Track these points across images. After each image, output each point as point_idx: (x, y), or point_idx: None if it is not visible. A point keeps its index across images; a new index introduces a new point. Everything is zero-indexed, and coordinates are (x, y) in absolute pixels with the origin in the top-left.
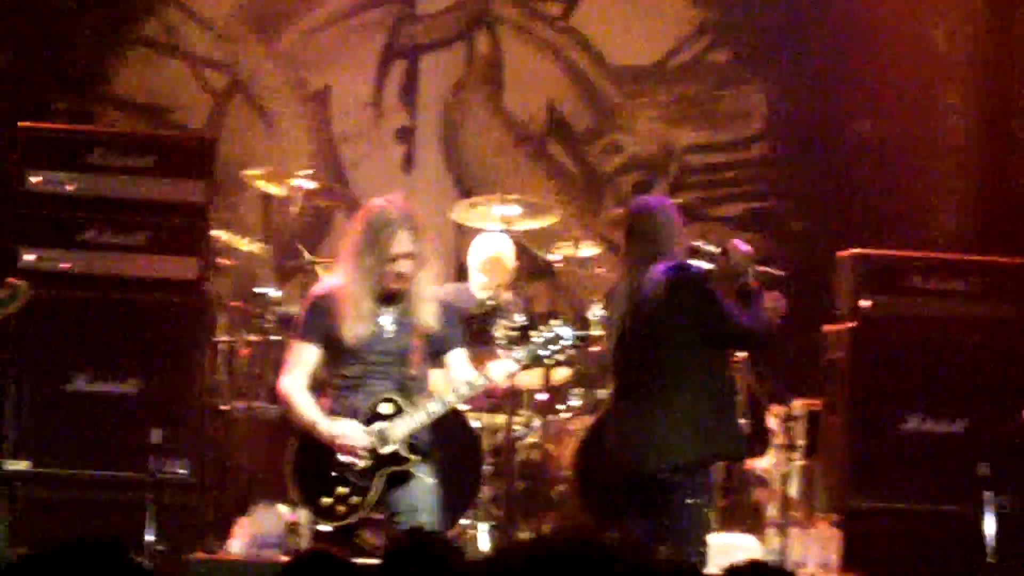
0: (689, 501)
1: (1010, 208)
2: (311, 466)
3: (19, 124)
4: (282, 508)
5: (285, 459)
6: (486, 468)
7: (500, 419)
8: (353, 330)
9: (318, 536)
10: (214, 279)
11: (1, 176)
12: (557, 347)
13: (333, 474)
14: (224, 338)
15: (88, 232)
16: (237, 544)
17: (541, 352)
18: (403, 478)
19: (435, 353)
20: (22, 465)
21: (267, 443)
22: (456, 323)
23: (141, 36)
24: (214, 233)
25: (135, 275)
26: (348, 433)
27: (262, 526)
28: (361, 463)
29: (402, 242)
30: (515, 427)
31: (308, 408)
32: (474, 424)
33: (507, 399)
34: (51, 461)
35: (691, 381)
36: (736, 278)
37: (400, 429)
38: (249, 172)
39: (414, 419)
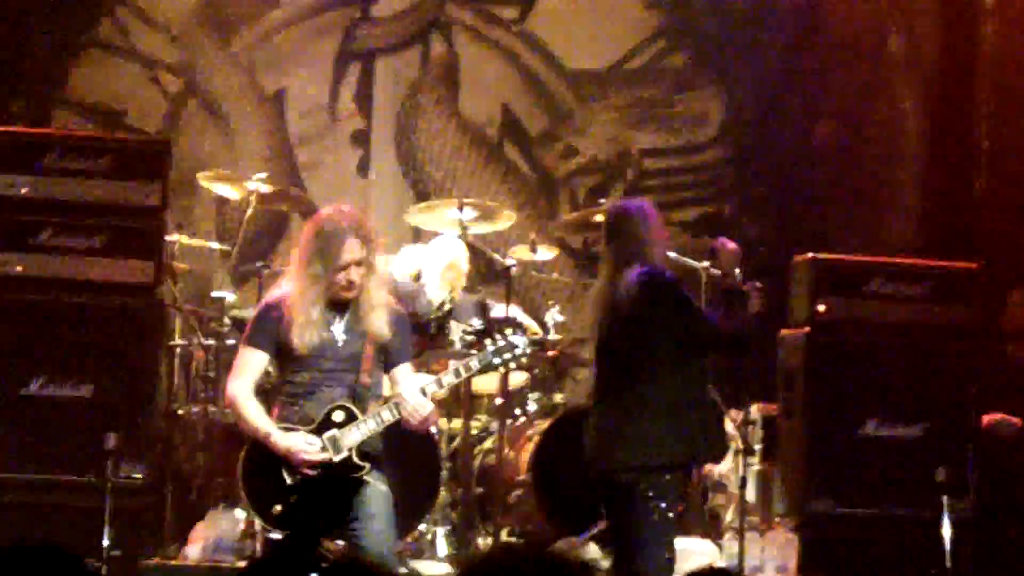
0: (651, 505)
1: (964, 213)
2: (262, 473)
3: None
4: (239, 513)
5: (237, 466)
6: (444, 473)
7: (457, 424)
8: (304, 337)
9: (270, 544)
10: (169, 283)
11: None
12: (510, 356)
13: (287, 482)
14: (179, 342)
15: (43, 235)
16: (194, 549)
17: (495, 360)
18: (356, 485)
19: (385, 362)
20: None
21: (223, 447)
22: (408, 334)
23: (96, 39)
24: (169, 237)
25: (90, 278)
26: (301, 446)
27: (219, 531)
28: (314, 472)
29: (352, 249)
30: (472, 431)
31: (259, 417)
32: (432, 429)
33: (465, 404)
34: (6, 465)
35: (661, 385)
36: (723, 278)
37: (353, 436)
38: (204, 175)
39: (366, 426)
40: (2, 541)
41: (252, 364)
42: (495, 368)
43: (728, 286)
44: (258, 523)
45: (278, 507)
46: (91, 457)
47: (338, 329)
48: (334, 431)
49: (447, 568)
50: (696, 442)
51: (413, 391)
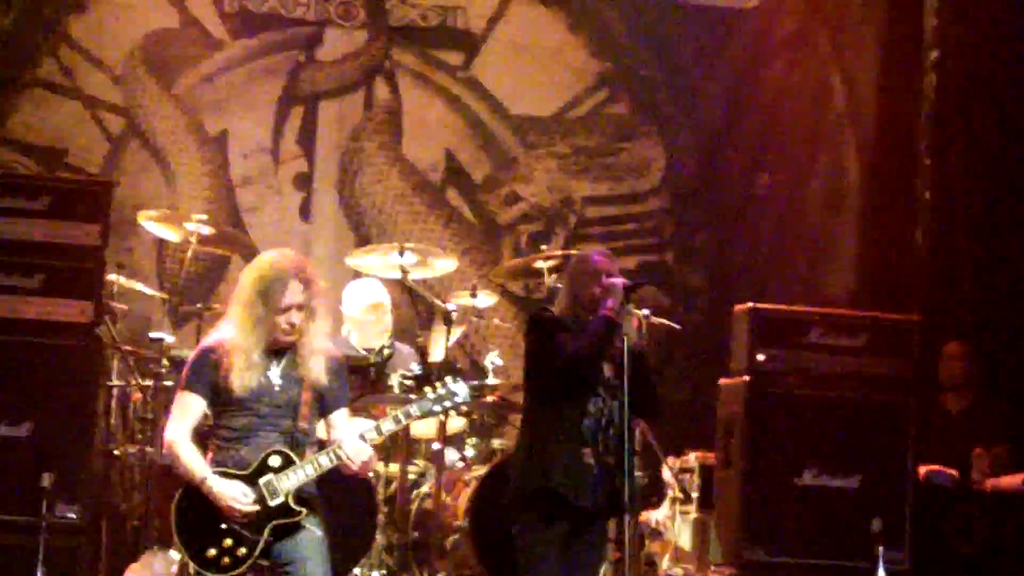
0: (518, 541)
1: (904, 264)
2: (197, 516)
3: None
4: (174, 554)
5: (171, 508)
6: (380, 517)
7: (395, 468)
8: (242, 381)
9: None
10: (108, 323)
11: None
12: (451, 404)
13: (222, 526)
14: (117, 382)
15: None
16: None
17: (435, 408)
18: (291, 530)
19: (321, 407)
20: None
21: (160, 488)
22: (345, 380)
23: (38, 77)
24: (109, 277)
25: (28, 317)
26: (234, 494)
27: (153, 572)
28: (247, 519)
29: (295, 293)
30: (410, 476)
31: (195, 462)
32: (369, 474)
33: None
34: None
35: (528, 420)
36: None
37: (289, 482)
38: (145, 214)
39: (304, 472)
40: None
41: (190, 409)
42: (435, 415)
43: (606, 315)
44: (192, 566)
45: (212, 551)
46: (26, 496)
47: (275, 374)
48: (270, 476)
49: None
50: (551, 475)
51: (352, 437)
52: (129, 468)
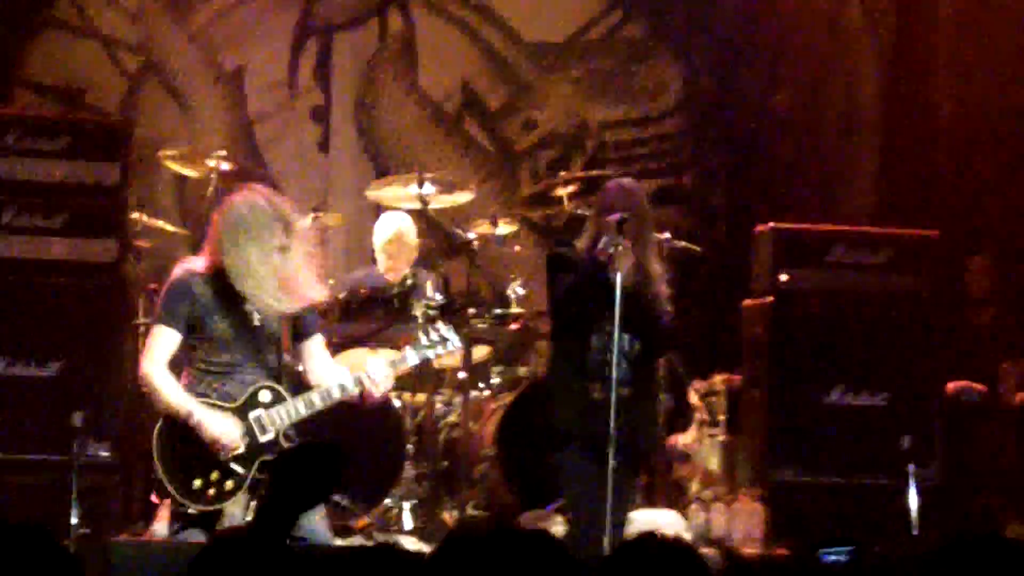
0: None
1: (923, 180)
2: (181, 447)
3: None
4: None
5: (153, 439)
6: (408, 447)
7: (421, 398)
8: (220, 316)
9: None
10: (132, 261)
11: None
12: (443, 350)
13: (208, 458)
14: (143, 320)
15: (4, 216)
16: (161, 526)
17: (429, 353)
18: None
19: (295, 336)
20: None
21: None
22: (314, 309)
23: (54, 18)
24: (132, 215)
25: (53, 258)
26: (224, 429)
27: None
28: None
29: (275, 233)
30: (436, 406)
31: (177, 394)
32: (396, 403)
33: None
34: None
35: (548, 354)
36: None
37: (279, 418)
38: (165, 152)
39: (295, 409)
40: None
41: (165, 342)
42: (428, 361)
43: (599, 252)
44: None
45: (197, 482)
46: (58, 436)
47: (251, 308)
48: (260, 411)
49: (414, 542)
50: (557, 412)
51: (380, 364)
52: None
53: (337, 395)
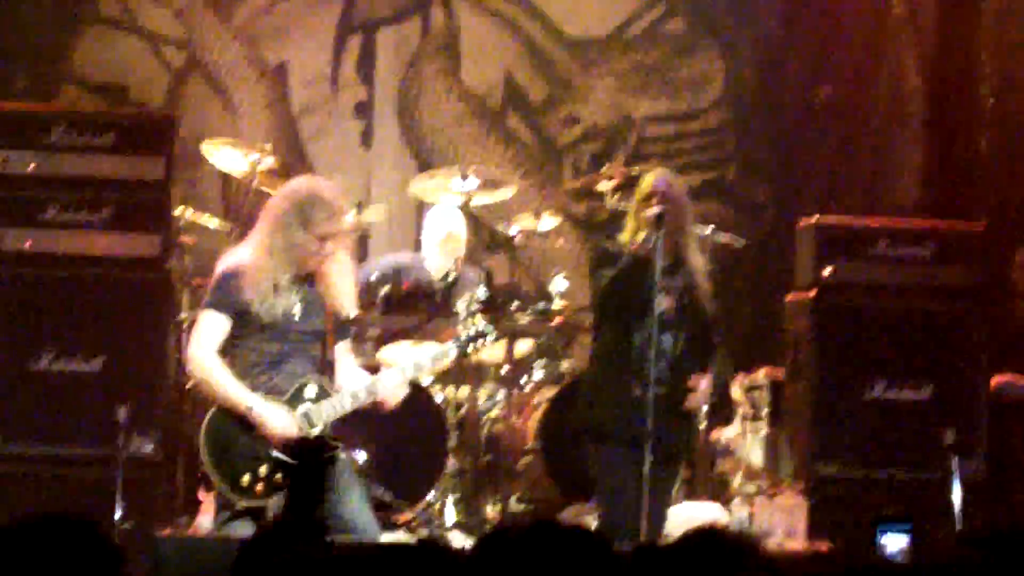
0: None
1: (968, 171)
2: (231, 440)
3: None
4: None
5: (201, 431)
6: (451, 442)
7: (464, 393)
8: (270, 306)
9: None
10: (176, 256)
11: None
12: (479, 343)
13: (257, 451)
14: (187, 315)
15: (49, 211)
16: (206, 519)
17: (467, 348)
18: (329, 459)
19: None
20: None
21: None
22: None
23: (98, 14)
24: (176, 211)
25: (97, 253)
26: (281, 423)
27: None
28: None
29: (331, 221)
30: (479, 401)
31: (236, 388)
32: (438, 398)
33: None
34: (17, 440)
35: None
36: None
37: (326, 413)
38: (208, 143)
39: (340, 404)
40: (15, 514)
41: (217, 328)
42: (467, 355)
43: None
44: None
45: (247, 476)
46: (102, 430)
47: (299, 300)
48: (307, 406)
49: (457, 536)
50: (595, 408)
51: (393, 374)
52: (201, 400)
53: (365, 397)
